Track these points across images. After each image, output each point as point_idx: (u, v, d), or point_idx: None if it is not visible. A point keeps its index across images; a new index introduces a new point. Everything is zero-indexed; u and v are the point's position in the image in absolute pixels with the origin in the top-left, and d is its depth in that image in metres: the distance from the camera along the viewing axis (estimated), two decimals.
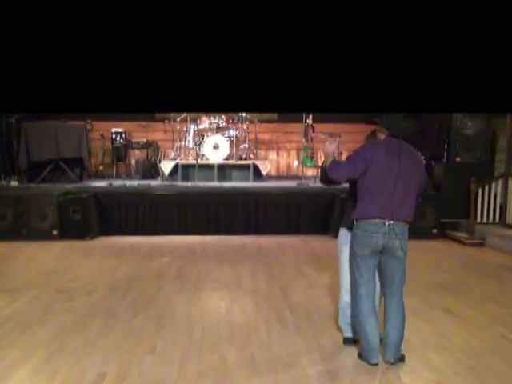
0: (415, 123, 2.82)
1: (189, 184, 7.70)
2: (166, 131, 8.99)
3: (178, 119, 8.52)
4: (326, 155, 3.04)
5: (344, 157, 3.21)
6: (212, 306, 4.04)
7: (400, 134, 2.85)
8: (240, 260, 5.61)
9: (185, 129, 8.54)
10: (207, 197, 7.25)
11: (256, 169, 8.26)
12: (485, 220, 6.97)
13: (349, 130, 8.51)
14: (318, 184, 6.83)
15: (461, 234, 6.93)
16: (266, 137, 9.69)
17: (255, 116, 8.69)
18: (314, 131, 8.13)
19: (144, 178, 8.59)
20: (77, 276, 4.83)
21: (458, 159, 7.36)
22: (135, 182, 7.88)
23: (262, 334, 3.36)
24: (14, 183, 7.51)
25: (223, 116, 8.46)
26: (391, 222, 2.74)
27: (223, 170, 8.34)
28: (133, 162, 9.09)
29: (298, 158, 9.51)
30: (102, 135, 8.78)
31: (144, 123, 9.13)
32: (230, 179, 8.39)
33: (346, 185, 3.13)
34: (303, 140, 8.29)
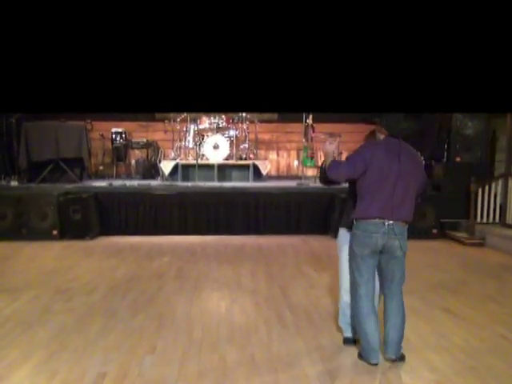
0: (415, 123, 2.80)
1: (189, 184, 7.70)
2: (166, 131, 9.00)
3: (178, 119, 8.53)
4: (325, 155, 3.04)
5: (344, 157, 3.21)
6: (212, 306, 4.04)
7: (400, 134, 2.84)
8: (240, 260, 5.61)
9: (185, 129, 8.54)
10: (207, 197, 7.25)
11: (256, 169, 8.27)
12: (485, 220, 6.97)
13: (349, 130, 8.51)
14: (318, 184, 6.83)
15: (461, 234, 6.93)
16: (266, 137, 9.69)
17: (255, 116, 8.69)
18: (313, 131, 8.13)
19: (144, 177, 8.59)
20: (77, 276, 4.83)
21: (457, 159, 7.36)
22: (135, 182, 7.88)
23: (262, 334, 3.36)
24: (14, 183, 7.52)
25: (223, 116, 8.46)
26: (391, 222, 2.74)
27: (223, 170, 8.34)
28: (133, 161, 9.09)
29: (298, 157, 9.51)
30: (102, 135, 8.79)
31: (144, 123, 9.13)
32: (230, 179, 8.39)
33: (346, 185, 3.13)
34: (303, 140, 8.29)
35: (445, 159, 7.47)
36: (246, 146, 8.67)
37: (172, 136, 8.75)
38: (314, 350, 3.07)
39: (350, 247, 2.89)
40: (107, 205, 7.08)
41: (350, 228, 2.93)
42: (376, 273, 2.91)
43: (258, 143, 9.08)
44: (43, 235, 6.54)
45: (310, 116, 8.01)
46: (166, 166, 8.17)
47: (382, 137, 2.91)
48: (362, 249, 2.80)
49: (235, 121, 8.65)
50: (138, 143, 8.95)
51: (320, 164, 3.31)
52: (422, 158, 3.55)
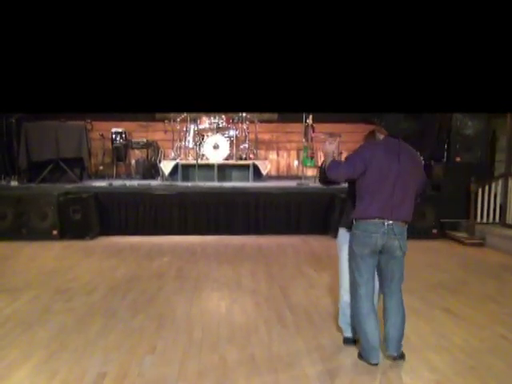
0: (415, 123, 2.80)
1: (189, 184, 7.70)
2: (166, 131, 9.00)
3: (178, 119, 8.53)
4: (325, 155, 3.04)
5: (344, 157, 3.21)
6: (212, 306, 4.04)
7: (399, 134, 2.84)
8: (240, 260, 5.61)
9: (185, 129, 8.54)
10: (207, 197, 7.25)
11: (256, 169, 8.27)
12: (485, 220, 6.97)
13: (349, 130, 8.51)
14: (318, 184, 6.80)
15: (461, 234, 6.93)
16: (266, 137, 9.69)
17: (255, 116, 8.69)
18: (314, 131, 8.13)
19: (144, 177, 8.59)
20: (77, 276, 4.83)
21: (457, 159, 7.36)
22: (135, 182, 7.89)
23: (262, 333, 3.36)
24: (14, 183, 7.52)
25: (223, 116, 8.46)
26: (390, 222, 2.74)
27: (223, 170, 8.35)
28: (133, 161, 9.09)
29: (298, 157, 9.51)
30: (102, 135, 8.79)
31: (144, 123, 9.13)
32: (230, 179, 8.39)
33: (346, 185, 3.13)
34: (303, 140, 8.29)
35: (445, 159, 7.48)
36: (246, 146, 8.67)
37: (172, 136, 8.76)
38: (314, 350, 3.07)
39: (350, 247, 2.90)
40: (107, 205, 7.08)
41: (349, 228, 2.94)
42: (375, 272, 2.91)
43: (258, 143, 9.08)
44: (43, 235, 6.54)
45: (310, 116, 8.01)
46: (166, 166, 8.17)
47: (381, 137, 2.92)
48: (362, 249, 2.80)
49: (235, 121, 8.65)
50: (138, 143, 8.95)
51: (320, 164, 3.31)
52: (422, 158, 3.55)
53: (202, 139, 8.29)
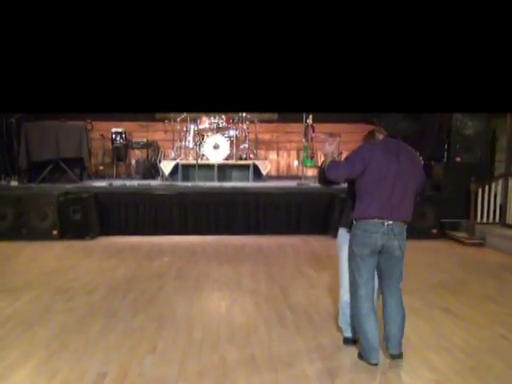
0: (414, 123, 2.81)
1: (189, 184, 7.70)
2: (166, 131, 9.00)
3: (178, 119, 8.53)
4: (325, 156, 3.05)
5: (344, 157, 3.22)
6: (212, 306, 4.04)
7: (399, 134, 2.85)
8: (240, 260, 5.61)
9: (185, 129, 8.55)
10: (207, 197, 7.25)
11: (256, 169, 8.27)
12: (485, 220, 6.97)
13: (349, 130, 8.51)
14: (318, 184, 6.83)
15: (461, 234, 6.93)
16: (266, 137, 9.69)
17: (255, 116, 8.69)
18: (314, 131, 8.14)
19: (144, 178, 8.59)
20: (77, 276, 4.83)
21: (457, 159, 7.36)
22: (135, 182, 7.89)
23: (262, 333, 3.37)
24: (14, 183, 7.52)
25: (223, 116, 8.46)
26: (390, 222, 2.75)
27: (223, 170, 8.35)
28: (133, 162, 9.09)
29: (298, 158, 9.51)
30: (102, 135, 8.79)
31: (144, 123, 9.14)
32: (230, 179, 8.40)
33: (346, 185, 3.13)
34: (303, 140, 8.29)
35: (445, 159, 7.48)
36: (246, 146, 8.68)
37: (172, 136, 8.76)
38: (314, 350, 3.07)
39: (350, 247, 2.90)
40: (107, 205, 7.09)
41: (349, 228, 2.94)
42: (375, 272, 2.91)
43: (258, 143, 9.08)
44: (43, 235, 6.54)
45: (310, 116, 8.01)
46: (166, 166, 8.18)
47: (380, 137, 2.92)
48: (362, 249, 2.81)
49: (235, 121, 8.65)
50: (138, 143, 8.95)
51: (319, 165, 3.32)
52: (421, 158, 3.55)
53: (202, 139, 8.29)
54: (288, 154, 9.86)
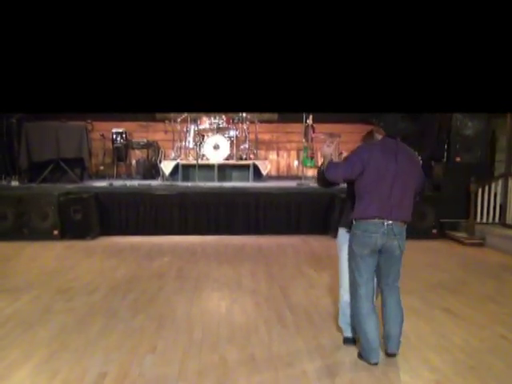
0: (413, 123, 2.82)
1: (189, 184, 7.70)
2: (166, 131, 9.00)
3: (179, 119, 8.53)
4: (324, 157, 3.05)
5: (343, 157, 3.23)
6: (212, 306, 4.05)
7: (398, 135, 2.85)
8: (240, 260, 5.62)
9: (185, 129, 8.55)
10: (207, 197, 7.26)
11: (256, 169, 8.27)
12: (485, 220, 6.98)
13: (349, 131, 8.51)
14: None
15: (460, 234, 6.93)
16: (266, 137, 9.69)
17: (255, 116, 8.70)
18: (314, 131, 8.14)
19: (144, 178, 8.60)
20: (78, 276, 4.84)
21: (457, 159, 7.36)
22: (136, 182, 7.89)
23: (262, 333, 3.37)
24: (14, 183, 7.53)
25: (223, 116, 8.47)
26: (390, 222, 2.76)
27: (223, 170, 8.35)
28: (133, 162, 9.10)
29: (298, 158, 9.51)
30: (102, 135, 8.79)
31: (144, 123, 9.14)
32: (230, 179, 8.40)
33: (345, 185, 3.13)
34: (303, 140, 8.30)
35: (445, 159, 7.47)
36: (246, 146, 8.68)
37: (172, 136, 8.76)
38: (314, 350, 3.07)
39: (350, 247, 2.91)
40: (108, 205, 7.09)
41: (349, 228, 2.94)
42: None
43: (258, 143, 9.08)
44: (44, 235, 6.55)
45: (310, 116, 8.02)
46: (167, 166, 8.18)
47: (379, 137, 2.93)
48: (362, 248, 2.81)
49: (235, 121, 8.65)
50: (139, 143, 8.96)
51: (319, 166, 3.33)
52: (421, 158, 3.56)
53: (203, 139, 8.29)
54: (288, 155, 9.86)
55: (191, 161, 8.24)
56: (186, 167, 8.20)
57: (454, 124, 7.32)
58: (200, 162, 8.05)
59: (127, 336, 3.28)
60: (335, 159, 3.34)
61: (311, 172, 8.77)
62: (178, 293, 4.30)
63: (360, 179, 2.80)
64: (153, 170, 8.80)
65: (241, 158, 8.51)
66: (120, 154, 8.77)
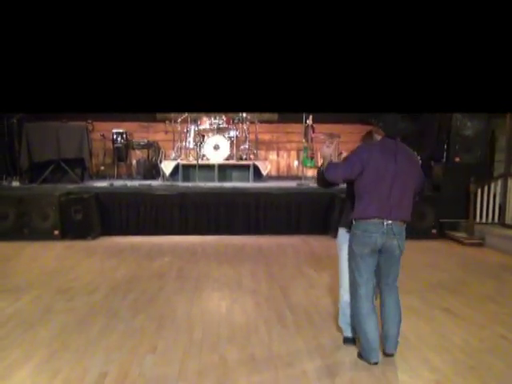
0: (412, 124, 2.82)
1: (189, 184, 7.71)
2: (166, 132, 9.02)
3: (179, 120, 8.54)
4: (323, 158, 3.06)
5: (343, 157, 3.24)
6: (212, 306, 4.05)
7: (397, 135, 2.86)
8: (240, 260, 5.62)
9: (185, 129, 8.56)
10: (208, 197, 7.26)
11: (256, 169, 8.28)
12: (484, 220, 6.98)
13: (349, 131, 8.52)
14: None
15: (460, 234, 6.94)
16: (267, 137, 9.70)
17: (255, 116, 8.71)
18: (314, 132, 8.15)
19: (145, 178, 8.61)
20: (78, 276, 4.84)
21: (457, 159, 7.36)
22: (136, 183, 7.90)
23: (263, 333, 3.37)
24: (15, 183, 7.54)
25: (223, 116, 8.48)
26: (389, 221, 2.76)
27: (224, 171, 8.36)
28: (134, 162, 9.11)
29: (298, 158, 9.52)
30: (103, 136, 8.81)
31: (145, 124, 9.16)
32: (230, 179, 8.41)
33: (345, 185, 3.14)
34: (303, 140, 8.30)
35: (444, 159, 7.48)
36: (247, 146, 8.69)
37: (173, 136, 8.78)
38: (314, 350, 3.08)
39: (350, 247, 2.91)
40: (108, 205, 7.10)
41: (349, 228, 2.95)
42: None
43: (258, 144, 9.09)
44: (45, 235, 6.56)
45: (310, 116, 8.02)
46: (167, 167, 8.19)
47: (378, 138, 2.94)
48: (362, 248, 2.82)
49: (235, 121, 8.66)
50: (139, 143, 8.97)
51: (318, 166, 3.33)
52: (419, 158, 3.57)
53: (203, 140, 8.30)
54: (288, 155, 9.87)
55: (191, 161, 8.25)
56: (187, 167, 8.21)
57: (454, 124, 7.32)
58: (200, 162, 8.06)
59: (127, 336, 3.29)
60: (335, 159, 3.35)
61: (311, 172, 8.78)
62: (178, 293, 4.31)
63: (359, 179, 2.81)
64: (153, 170, 8.81)
65: (241, 158, 8.52)
66: (120, 154, 8.78)
